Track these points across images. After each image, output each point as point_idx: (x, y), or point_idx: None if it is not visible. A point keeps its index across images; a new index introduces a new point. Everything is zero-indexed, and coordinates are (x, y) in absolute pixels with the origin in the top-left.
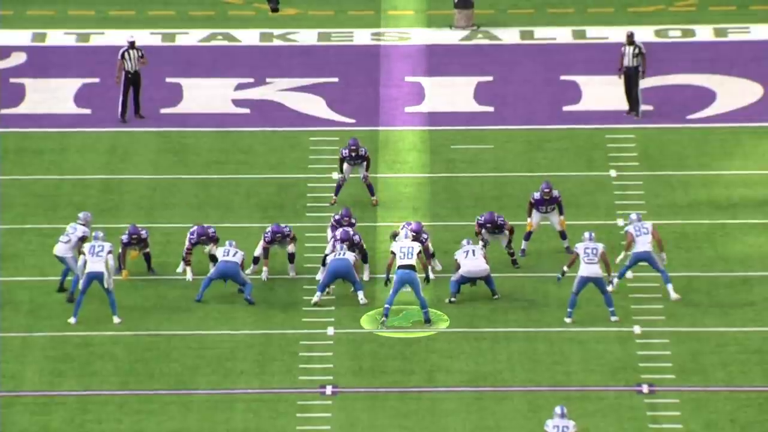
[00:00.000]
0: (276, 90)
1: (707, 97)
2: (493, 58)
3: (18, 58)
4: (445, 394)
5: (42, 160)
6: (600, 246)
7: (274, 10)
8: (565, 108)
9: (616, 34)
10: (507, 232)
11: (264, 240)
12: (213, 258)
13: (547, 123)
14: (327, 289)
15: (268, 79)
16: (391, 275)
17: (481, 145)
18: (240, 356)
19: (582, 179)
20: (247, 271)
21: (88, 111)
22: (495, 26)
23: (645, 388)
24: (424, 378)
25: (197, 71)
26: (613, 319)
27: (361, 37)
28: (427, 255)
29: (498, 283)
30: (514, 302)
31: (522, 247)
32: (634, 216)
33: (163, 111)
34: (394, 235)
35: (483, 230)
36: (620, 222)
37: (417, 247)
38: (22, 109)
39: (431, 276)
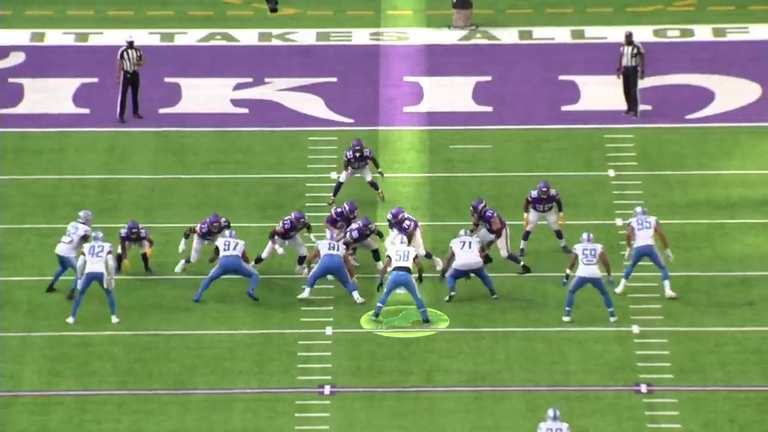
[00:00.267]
0: (275, 90)
1: (706, 97)
2: (492, 58)
3: (16, 58)
4: (443, 393)
5: (40, 160)
6: (598, 247)
7: (273, 10)
8: (564, 108)
9: (614, 34)
10: (493, 235)
11: (282, 226)
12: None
13: (546, 123)
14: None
15: (266, 79)
16: (384, 278)
17: (479, 144)
18: (238, 356)
19: (581, 179)
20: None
21: (86, 111)
22: (493, 26)
23: (643, 388)
24: (422, 378)
25: (196, 71)
26: (613, 319)
27: (360, 37)
28: (416, 245)
29: (497, 282)
30: (513, 302)
31: (521, 246)
32: (639, 209)
33: (162, 111)
34: (379, 234)
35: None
36: (619, 222)
37: (413, 251)
38: (20, 109)
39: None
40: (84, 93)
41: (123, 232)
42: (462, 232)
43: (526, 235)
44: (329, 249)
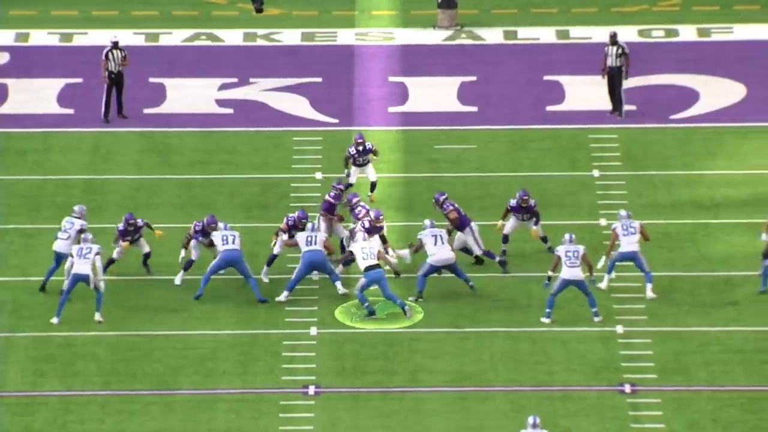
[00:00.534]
0: (260, 90)
1: (690, 97)
2: (477, 58)
3: (1, 58)
4: (428, 394)
5: (25, 161)
6: (581, 248)
7: (259, 10)
8: (549, 108)
9: (599, 34)
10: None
11: (286, 223)
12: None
13: (531, 123)
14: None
15: (251, 79)
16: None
17: (464, 145)
18: (222, 356)
19: (565, 179)
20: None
21: (71, 111)
22: (478, 26)
23: (627, 388)
24: (407, 378)
25: (181, 71)
26: (597, 319)
27: (345, 37)
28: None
29: (483, 283)
30: (497, 302)
31: (502, 248)
32: (623, 213)
33: (147, 111)
34: (351, 233)
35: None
36: (603, 222)
37: (376, 247)
38: (5, 109)
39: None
40: (69, 93)
41: (120, 226)
42: (427, 222)
43: (506, 239)
44: (308, 244)
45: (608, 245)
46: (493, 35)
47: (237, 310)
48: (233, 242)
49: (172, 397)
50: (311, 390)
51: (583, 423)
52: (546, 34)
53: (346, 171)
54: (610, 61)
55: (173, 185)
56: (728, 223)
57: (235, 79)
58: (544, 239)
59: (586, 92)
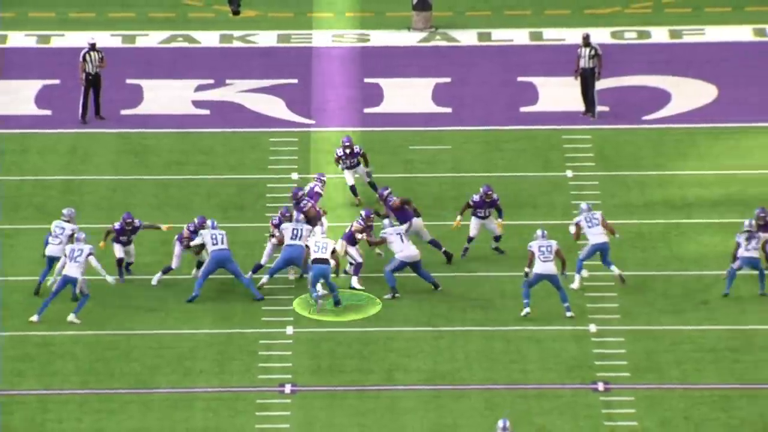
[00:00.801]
0: (236, 91)
1: (662, 98)
2: (451, 59)
3: None
4: (403, 392)
5: (3, 161)
6: (554, 243)
7: (236, 12)
8: (523, 109)
9: (572, 35)
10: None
11: (272, 223)
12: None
13: (505, 124)
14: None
15: (227, 81)
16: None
17: (439, 145)
18: (200, 355)
19: (539, 179)
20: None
21: (48, 112)
22: (453, 28)
23: (600, 386)
24: (382, 376)
25: (157, 72)
26: (569, 314)
27: (321, 38)
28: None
29: (455, 282)
30: (472, 301)
31: (465, 246)
32: (584, 206)
33: (124, 112)
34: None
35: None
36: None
37: (331, 244)
38: None
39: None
40: (46, 94)
41: (117, 225)
42: (386, 222)
43: (470, 240)
44: (293, 238)
45: (574, 237)
46: (467, 37)
47: (214, 310)
48: (222, 242)
49: (150, 396)
50: (287, 388)
51: (557, 421)
52: (519, 36)
53: (346, 177)
54: (583, 63)
55: (150, 186)
56: (700, 222)
57: (211, 81)
58: (497, 238)
59: (559, 93)
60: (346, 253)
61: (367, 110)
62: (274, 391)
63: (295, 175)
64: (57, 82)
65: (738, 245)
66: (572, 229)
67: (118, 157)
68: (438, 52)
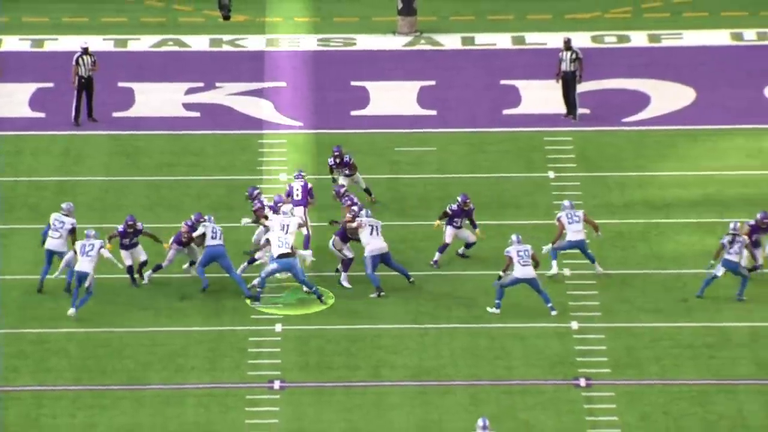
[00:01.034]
0: (225, 94)
1: (642, 100)
2: (436, 63)
3: None
4: (389, 388)
5: None
6: (529, 247)
7: (226, 17)
8: (506, 111)
9: (554, 40)
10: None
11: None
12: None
13: (488, 126)
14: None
15: (217, 84)
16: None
17: (424, 147)
18: (191, 352)
19: (522, 180)
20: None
21: (42, 115)
22: (437, 32)
23: (582, 382)
24: (369, 373)
25: (149, 76)
26: (553, 313)
27: (308, 43)
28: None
29: (440, 281)
30: (457, 299)
31: (435, 258)
32: (567, 203)
33: (116, 114)
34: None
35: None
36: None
37: (291, 239)
38: None
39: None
40: (40, 97)
41: (120, 228)
42: (364, 212)
43: (443, 248)
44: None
45: (556, 234)
46: (451, 41)
47: (204, 308)
48: (219, 237)
49: (142, 392)
50: (276, 385)
51: (540, 416)
52: (502, 40)
53: (332, 177)
54: (565, 66)
55: (142, 187)
56: (679, 222)
57: (201, 84)
58: (469, 245)
59: (541, 96)
60: (339, 249)
61: (354, 113)
62: (263, 387)
63: (283, 176)
64: (51, 85)
65: (722, 246)
66: (558, 223)
67: (110, 158)
68: (423, 56)
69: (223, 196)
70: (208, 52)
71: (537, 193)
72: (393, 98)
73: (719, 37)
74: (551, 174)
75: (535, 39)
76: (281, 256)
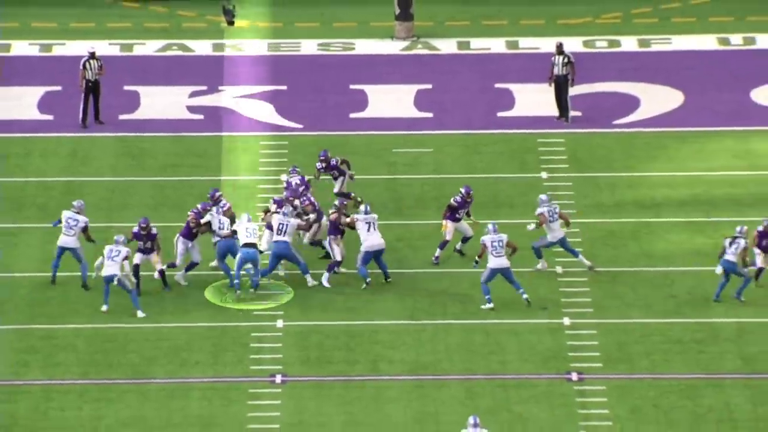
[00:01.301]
0: (228, 97)
1: (632, 103)
2: (432, 67)
3: None
4: (387, 382)
5: (8, 164)
6: (504, 236)
7: (230, 23)
8: (500, 114)
9: (546, 44)
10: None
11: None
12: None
13: (483, 128)
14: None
15: (220, 87)
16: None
17: (421, 148)
18: (195, 347)
19: (515, 181)
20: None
21: (50, 117)
22: (434, 37)
23: (574, 376)
24: (367, 367)
25: (153, 79)
26: (525, 296)
27: (308, 47)
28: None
29: (436, 278)
30: (452, 296)
31: (436, 254)
32: (544, 197)
33: (122, 117)
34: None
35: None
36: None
37: (258, 232)
38: None
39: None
40: (48, 100)
41: (135, 229)
42: (362, 208)
43: (443, 245)
44: (278, 233)
45: (540, 224)
46: (447, 46)
47: (208, 304)
48: (226, 228)
49: (147, 386)
50: (278, 379)
51: (533, 409)
52: (497, 45)
53: (315, 177)
54: (557, 70)
55: (146, 187)
56: (668, 221)
57: (204, 87)
58: (466, 240)
59: (534, 99)
60: (331, 248)
61: (352, 115)
62: (265, 381)
63: (284, 177)
64: (58, 88)
65: (724, 248)
66: (540, 218)
67: (116, 159)
68: (420, 60)
69: (226, 196)
70: (211, 56)
71: (530, 193)
72: (391, 101)
73: (707, 42)
74: (544, 174)
75: (529, 43)
76: (246, 245)
